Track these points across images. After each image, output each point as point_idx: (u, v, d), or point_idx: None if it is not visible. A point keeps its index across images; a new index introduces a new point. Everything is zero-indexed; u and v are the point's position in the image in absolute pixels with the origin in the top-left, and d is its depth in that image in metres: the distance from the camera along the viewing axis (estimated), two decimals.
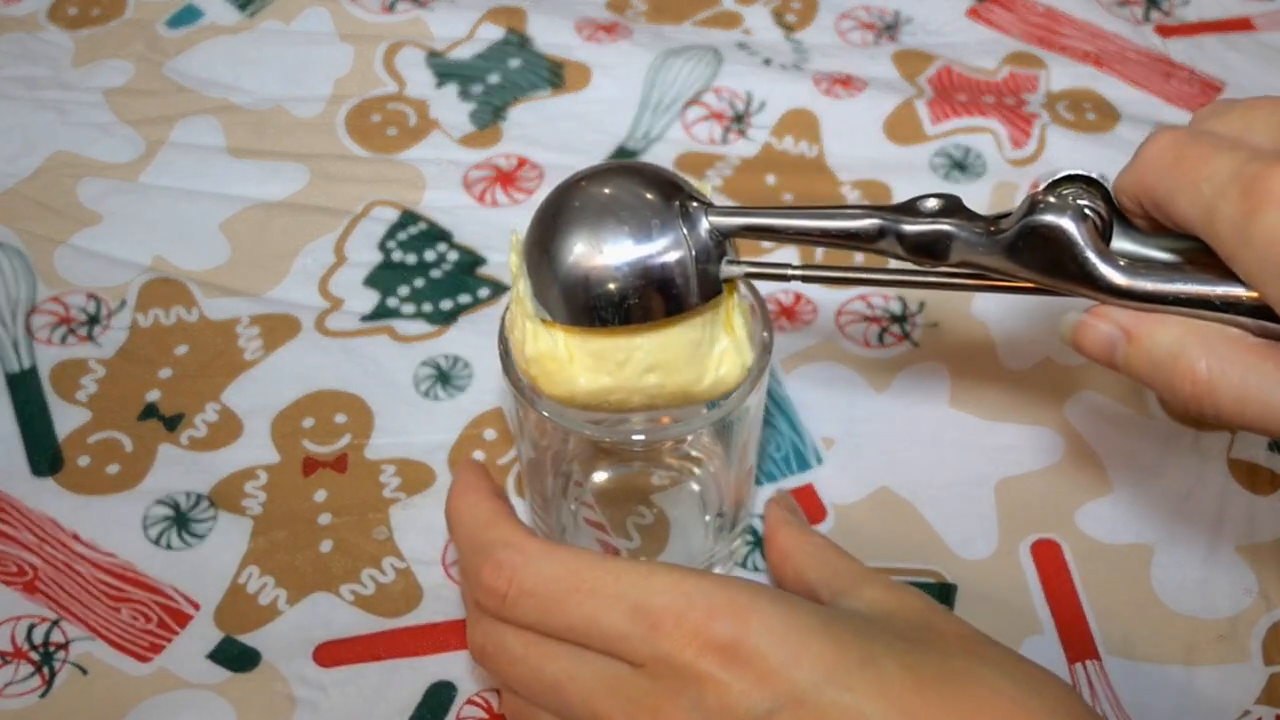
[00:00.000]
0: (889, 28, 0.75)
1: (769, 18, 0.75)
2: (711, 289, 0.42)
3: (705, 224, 0.41)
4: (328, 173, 0.67)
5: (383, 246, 0.64)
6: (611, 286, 0.40)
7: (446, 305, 0.62)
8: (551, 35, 0.73)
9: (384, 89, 0.71)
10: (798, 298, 0.62)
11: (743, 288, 0.48)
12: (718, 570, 0.52)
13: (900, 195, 0.66)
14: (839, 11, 0.75)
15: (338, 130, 0.69)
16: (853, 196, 0.66)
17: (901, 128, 0.69)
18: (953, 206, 0.39)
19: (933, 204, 0.39)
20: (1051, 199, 0.38)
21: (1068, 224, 0.37)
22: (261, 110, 0.70)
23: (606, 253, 0.40)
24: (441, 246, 0.64)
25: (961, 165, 0.67)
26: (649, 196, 0.41)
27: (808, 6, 0.76)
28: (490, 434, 0.57)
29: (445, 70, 0.72)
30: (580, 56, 0.72)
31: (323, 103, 0.70)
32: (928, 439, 0.57)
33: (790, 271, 0.43)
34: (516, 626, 0.40)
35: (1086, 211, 0.38)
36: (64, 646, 0.51)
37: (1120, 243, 0.39)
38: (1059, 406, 0.58)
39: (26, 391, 0.58)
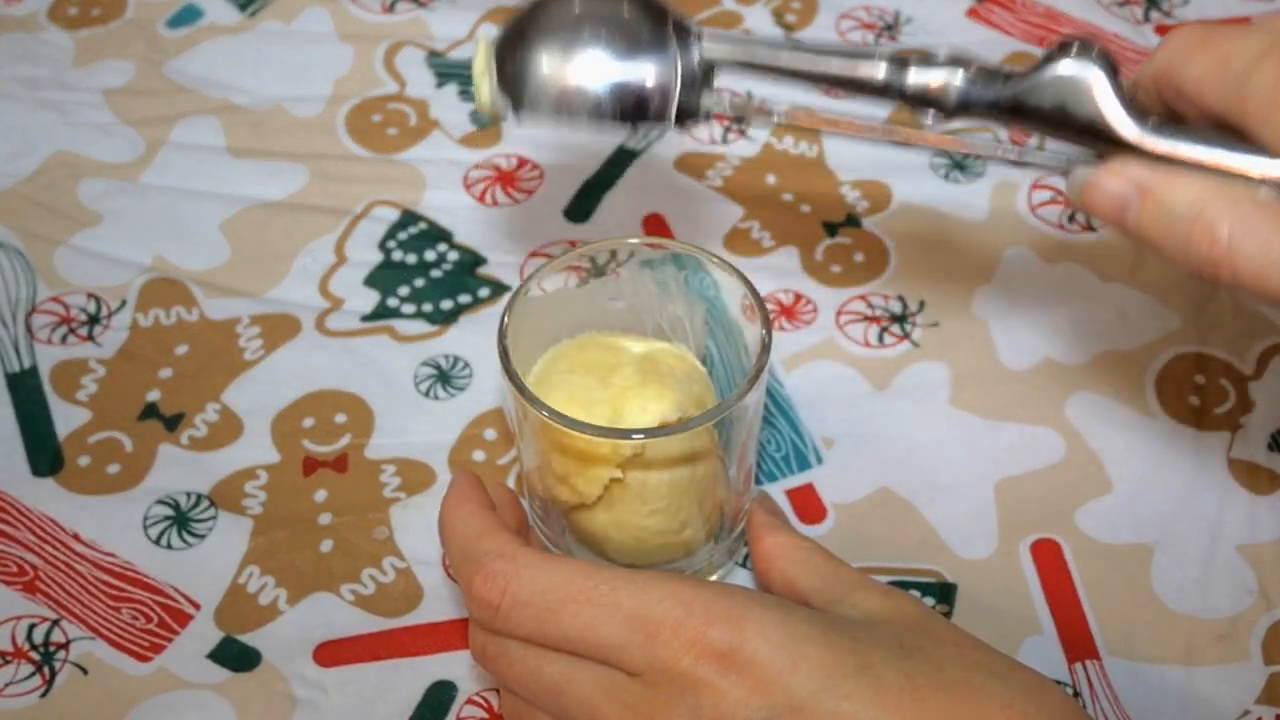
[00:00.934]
0: (889, 28, 0.75)
1: (769, 17, 0.75)
2: (689, 115, 0.40)
3: (697, 51, 0.40)
4: (328, 173, 0.67)
5: (383, 246, 0.64)
6: (588, 82, 0.39)
7: (447, 305, 0.62)
8: None
9: (384, 89, 0.71)
10: (798, 297, 0.62)
11: (742, 285, 0.48)
12: (719, 572, 0.52)
13: (900, 195, 0.66)
14: (839, 11, 0.75)
15: (338, 130, 0.69)
16: (852, 196, 0.66)
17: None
18: (966, 58, 0.37)
19: (945, 53, 0.38)
20: (1075, 49, 0.36)
21: (1096, 73, 0.35)
22: (261, 110, 0.70)
23: (590, 52, 0.39)
24: (442, 246, 0.64)
25: (961, 165, 0.67)
26: (642, 10, 0.40)
27: (808, 6, 0.76)
28: (490, 434, 0.57)
29: (445, 70, 0.72)
30: None
31: (323, 103, 0.70)
32: (928, 439, 0.57)
33: (774, 108, 0.41)
34: (512, 638, 0.40)
35: (1102, 63, 0.36)
36: (64, 646, 0.51)
37: None
38: (1059, 406, 0.58)
39: (27, 391, 0.58)
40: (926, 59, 0.37)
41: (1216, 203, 0.35)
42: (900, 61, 0.38)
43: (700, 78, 0.40)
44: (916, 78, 0.37)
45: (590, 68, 0.39)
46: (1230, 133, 0.35)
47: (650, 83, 0.39)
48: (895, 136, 0.39)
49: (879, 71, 0.38)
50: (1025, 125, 0.37)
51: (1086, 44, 0.36)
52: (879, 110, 0.39)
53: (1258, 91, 0.34)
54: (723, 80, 0.42)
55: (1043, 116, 0.36)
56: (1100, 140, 0.36)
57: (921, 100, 0.37)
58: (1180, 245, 0.35)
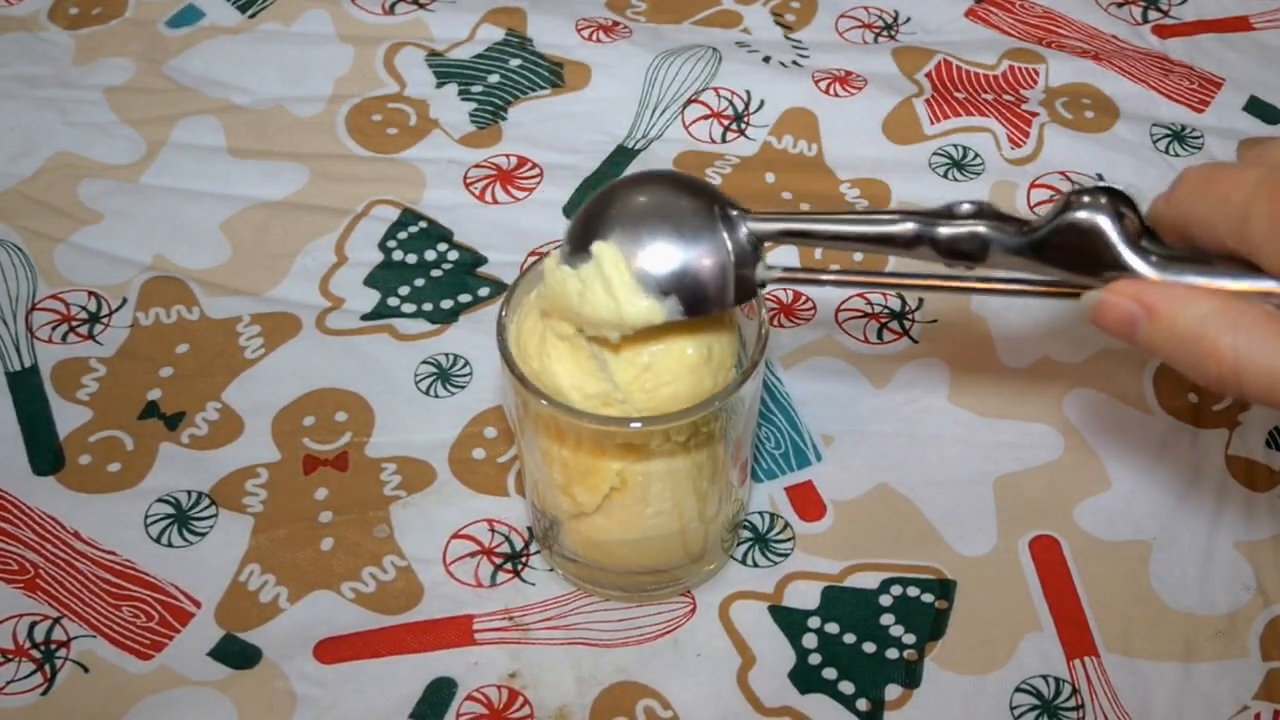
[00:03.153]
0: (888, 27, 0.75)
1: (768, 17, 0.75)
2: (748, 292, 0.43)
3: (744, 229, 0.42)
4: (328, 172, 0.67)
5: (383, 246, 0.64)
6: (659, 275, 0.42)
7: (447, 304, 0.62)
8: (551, 35, 0.73)
9: (384, 89, 0.71)
10: (796, 295, 0.62)
11: None
12: (712, 565, 0.52)
13: (899, 194, 0.66)
14: (838, 11, 0.75)
15: (338, 130, 0.69)
16: (851, 195, 0.66)
17: (900, 127, 0.69)
18: (986, 210, 0.40)
19: (967, 207, 0.40)
20: (1085, 199, 0.38)
21: (1103, 219, 0.38)
22: (262, 110, 0.70)
23: (651, 251, 0.42)
24: (442, 246, 0.64)
25: (960, 165, 0.67)
26: (689, 200, 0.43)
27: (807, 6, 0.76)
28: (491, 432, 0.57)
29: (445, 70, 0.72)
30: (580, 56, 0.72)
31: (323, 102, 0.70)
32: (927, 435, 0.57)
33: (825, 276, 0.44)
34: None
35: (1121, 210, 0.38)
36: (65, 644, 0.51)
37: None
38: (1058, 403, 0.58)
39: (27, 390, 0.58)
40: (951, 214, 0.40)
41: (1221, 320, 0.36)
42: (929, 217, 0.40)
43: (750, 254, 0.43)
44: (945, 232, 0.40)
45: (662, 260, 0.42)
46: (1243, 265, 0.36)
47: (714, 285, 0.42)
48: (934, 285, 0.43)
49: (910, 230, 0.40)
50: (1045, 266, 0.39)
51: (1095, 192, 0.38)
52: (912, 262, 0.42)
53: (1257, 220, 0.35)
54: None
55: (1059, 259, 0.39)
56: (1112, 273, 0.38)
57: (952, 252, 0.40)
58: (1190, 362, 0.36)
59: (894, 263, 0.60)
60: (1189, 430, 0.57)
